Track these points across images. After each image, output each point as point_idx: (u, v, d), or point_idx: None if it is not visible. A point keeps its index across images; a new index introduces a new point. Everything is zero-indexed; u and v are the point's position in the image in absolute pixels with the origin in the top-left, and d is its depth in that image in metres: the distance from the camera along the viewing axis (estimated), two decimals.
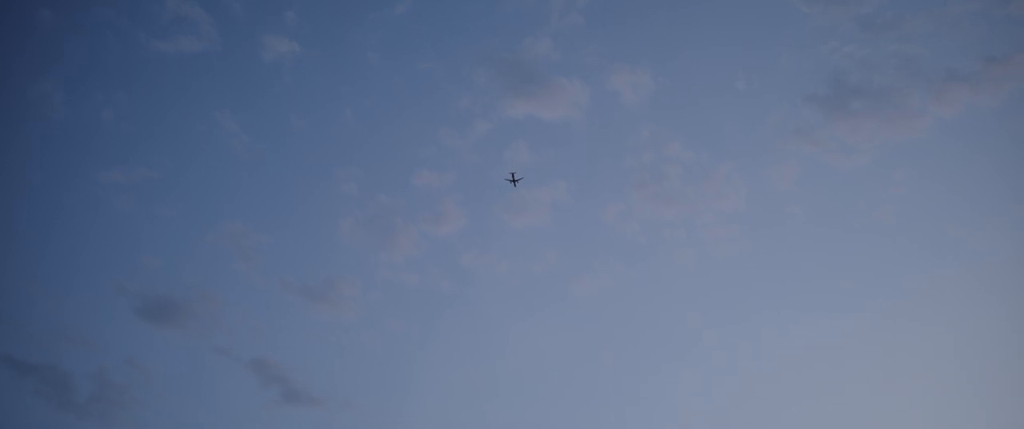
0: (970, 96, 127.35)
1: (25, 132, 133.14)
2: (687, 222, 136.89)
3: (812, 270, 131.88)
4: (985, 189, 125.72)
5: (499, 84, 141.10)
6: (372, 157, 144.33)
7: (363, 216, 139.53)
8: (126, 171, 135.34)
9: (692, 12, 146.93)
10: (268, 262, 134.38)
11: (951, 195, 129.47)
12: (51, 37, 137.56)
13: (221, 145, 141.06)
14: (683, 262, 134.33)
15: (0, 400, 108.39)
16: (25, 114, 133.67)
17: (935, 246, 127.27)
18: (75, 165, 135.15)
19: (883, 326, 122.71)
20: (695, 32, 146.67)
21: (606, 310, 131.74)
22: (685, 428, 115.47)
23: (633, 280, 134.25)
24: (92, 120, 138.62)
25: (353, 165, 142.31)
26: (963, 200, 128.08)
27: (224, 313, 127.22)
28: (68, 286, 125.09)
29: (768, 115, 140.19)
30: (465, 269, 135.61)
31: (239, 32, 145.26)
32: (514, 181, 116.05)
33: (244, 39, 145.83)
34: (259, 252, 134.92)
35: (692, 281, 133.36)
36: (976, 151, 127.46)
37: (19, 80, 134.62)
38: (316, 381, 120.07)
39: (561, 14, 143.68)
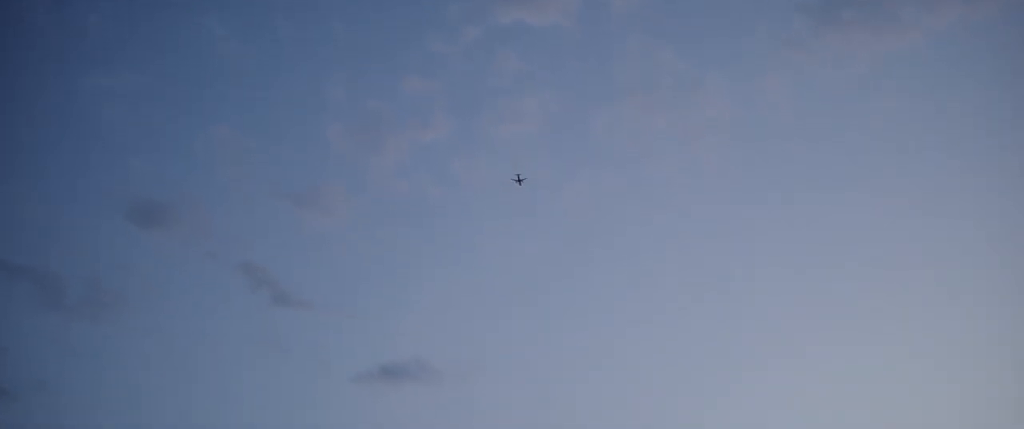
0: (962, 8, 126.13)
1: (9, 37, 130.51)
2: (676, 132, 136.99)
3: (801, 180, 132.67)
4: (976, 101, 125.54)
5: None
6: (360, 63, 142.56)
7: (351, 122, 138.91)
8: (112, 75, 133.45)
9: None
10: (256, 167, 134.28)
11: (942, 107, 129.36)
12: None
13: (208, 50, 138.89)
14: (672, 172, 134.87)
15: None
16: (9, 19, 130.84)
17: (926, 157, 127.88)
18: (61, 70, 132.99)
19: (874, 235, 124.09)
20: None
21: (594, 219, 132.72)
22: (671, 334, 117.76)
23: (621, 189, 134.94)
24: (77, 24, 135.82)
25: (341, 71, 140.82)
26: (954, 112, 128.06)
27: (212, 217, 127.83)
28: (57, 190, 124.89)
29: (759, 24, 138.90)
30: (453, 176, 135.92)
31: None
32: (519, 181, 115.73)
33: None
34: (247, 157, 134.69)
35: (680, 190, 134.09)
36: (968, 63, 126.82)
37: None
38: (306, 285, 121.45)
39: None
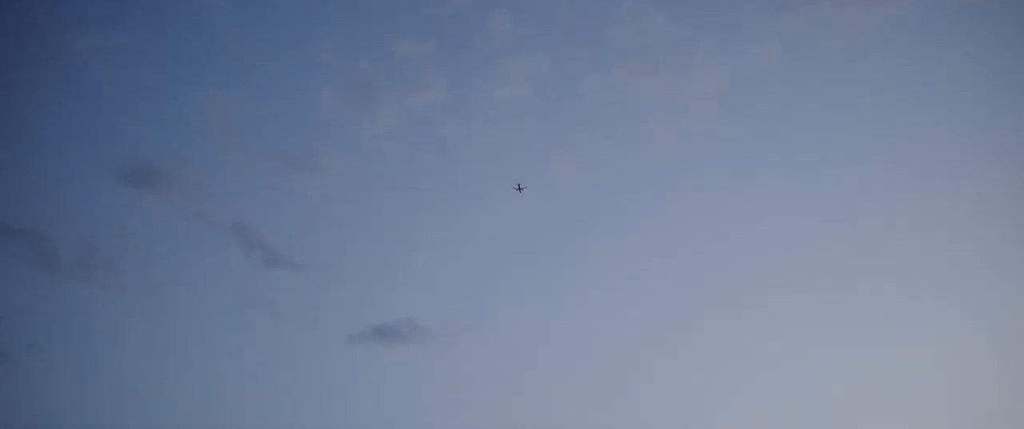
0: None
1: (2, 1, 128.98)
2: (668, 96, 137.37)
3: (792, 146, 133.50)
4: (968, 68, 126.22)
5: None
6: (353, 25, 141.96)
7: (344, 85, 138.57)
8: (104, 37, 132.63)
9: None
10: (249, 130, 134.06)
11: (934, 74, 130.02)
12: None
13: (202, 13, 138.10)
14: (663, 136, 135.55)
15: None
16: None
17: (917, 124, 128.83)
18: (54, 32, 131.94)
19: (865, 200, 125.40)
20: None
21: (584, 183, 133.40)
22: (663, 294, 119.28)
23: (612, 152, 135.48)
24: None
25: (334, 33, 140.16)
26: (945, 78, 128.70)
27: (205, 179, 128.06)
28: (50, 152, 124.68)
29: None
30: (445, 139, 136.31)
31: None
32: (519, 189, 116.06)
33: None
34: (240, 120, 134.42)
35: (671, 155, 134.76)
36: (959, 31, 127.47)
37: None
38: (299, 247, 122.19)
39: None
